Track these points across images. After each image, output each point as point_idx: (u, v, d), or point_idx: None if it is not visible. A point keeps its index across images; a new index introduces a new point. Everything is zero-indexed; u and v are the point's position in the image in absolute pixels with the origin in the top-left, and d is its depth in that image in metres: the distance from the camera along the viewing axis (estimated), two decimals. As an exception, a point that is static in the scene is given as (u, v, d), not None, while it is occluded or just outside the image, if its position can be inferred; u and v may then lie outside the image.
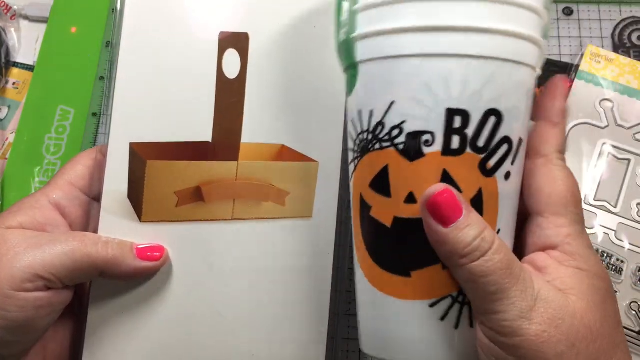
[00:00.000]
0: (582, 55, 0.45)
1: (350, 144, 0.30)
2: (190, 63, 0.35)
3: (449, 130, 0.26)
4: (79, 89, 0.49)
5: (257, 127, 0.36)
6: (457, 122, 0.26)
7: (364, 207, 0.29)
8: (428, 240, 0.26)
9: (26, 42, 0.51)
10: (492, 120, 0.26)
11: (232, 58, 0.36)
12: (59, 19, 0.50)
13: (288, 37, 0.36)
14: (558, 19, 0.48)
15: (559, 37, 0.48)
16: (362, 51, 0.28)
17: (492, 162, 0.27)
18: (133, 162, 0.35)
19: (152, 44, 0.35)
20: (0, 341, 0.31)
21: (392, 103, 0.27)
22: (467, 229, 0.25)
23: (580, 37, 0.48)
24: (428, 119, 0.26)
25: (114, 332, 0.35)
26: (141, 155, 0.35)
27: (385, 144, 0.27)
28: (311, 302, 0.36)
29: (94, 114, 0.48)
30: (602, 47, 0.47)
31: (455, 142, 0.26)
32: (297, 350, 0.36)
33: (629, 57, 0.46)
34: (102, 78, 0.49)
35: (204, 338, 0.35)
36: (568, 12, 0.49)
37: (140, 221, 0.35)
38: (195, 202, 0.35)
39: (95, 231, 0.35)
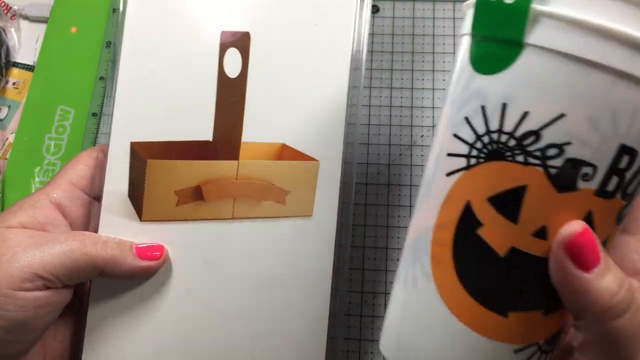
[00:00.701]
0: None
1: (466, 134, 0.24)
2: (191, 62, 0.35)
3: (613, 169, 0.22)
4: (79, 89, 0.49)
5: (257, 126, 0.36)
6: (624, 161, 0.22)
7: (471, 220, 0.24)
8: (543, 282, 0.23)
9: (26, 42, 0.51)
10: None
11: (233, 57, 0.36)
12: (59, 19, 0.50)
13: (289, 36, 0.36)
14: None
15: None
16: (543, 33, 0.21)
17: (626, 210, 0.24)
18: (133, 161, 0.35)
19: (153, 44, 0.36)
20: (0, 341, 0.31)
21: (561, 115, 0.21)
22: (609, 277, 0.22)
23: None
24: (598, 149, 0.22)
25: (114, 332, 0.35)
26: (141, 155, 0.35)
27: (532, 160, 0.22)
28: (311, 301, 0.36)
29: (94, 114, 0.48)
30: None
31: (613, 183, 0.22)
32: (297, 349, 0.36)
33: (629, 57, 0.46)
34: (102, 78, 0.49)
35: (204, 337, 0.35)
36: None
37: (141, 220, 0.35)
38: (195, 201, 0.35)
39: (96, 230, 0.35)
